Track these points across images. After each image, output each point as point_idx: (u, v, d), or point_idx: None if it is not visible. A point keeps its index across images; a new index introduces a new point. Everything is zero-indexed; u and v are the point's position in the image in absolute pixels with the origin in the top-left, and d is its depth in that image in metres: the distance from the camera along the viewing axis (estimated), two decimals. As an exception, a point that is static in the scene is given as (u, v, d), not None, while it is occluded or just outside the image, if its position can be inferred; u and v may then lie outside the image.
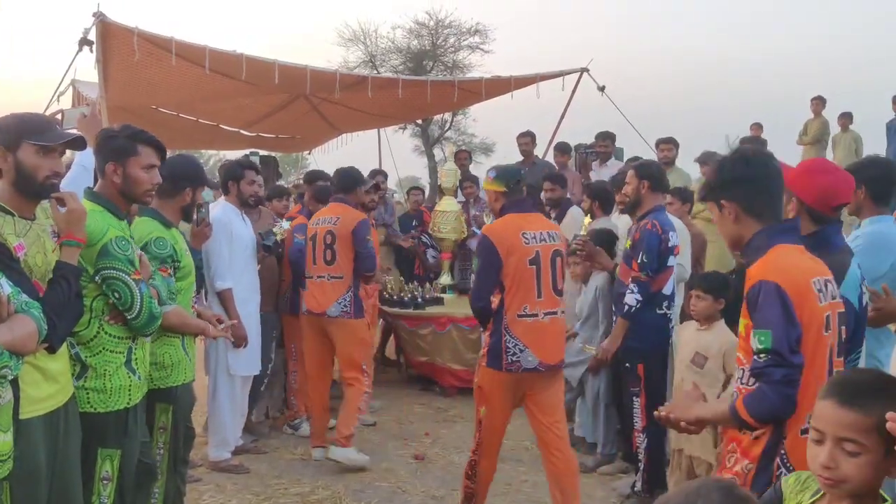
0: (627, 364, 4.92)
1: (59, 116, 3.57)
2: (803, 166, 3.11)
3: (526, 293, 4.25)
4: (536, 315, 4.26)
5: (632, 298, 4.79)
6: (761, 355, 2.40)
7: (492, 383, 4.35)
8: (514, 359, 4.24)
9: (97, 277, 3.01)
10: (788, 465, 2.42)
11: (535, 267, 4.25)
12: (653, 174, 4.98)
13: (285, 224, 5.58)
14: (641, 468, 4.87)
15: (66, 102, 8.15)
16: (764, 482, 2.41)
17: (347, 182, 5.96)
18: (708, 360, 4.35)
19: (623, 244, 5.63)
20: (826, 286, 2.52)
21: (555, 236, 4.41)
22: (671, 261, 4.86)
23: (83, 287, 2.96)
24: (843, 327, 2.62)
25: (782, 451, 2.43)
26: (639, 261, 4.76)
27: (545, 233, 4.36)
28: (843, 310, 2.62)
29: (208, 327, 3.85)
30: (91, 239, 2.96)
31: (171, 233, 3.76)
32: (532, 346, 4.24)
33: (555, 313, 4.35)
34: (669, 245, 4.83)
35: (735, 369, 3.32)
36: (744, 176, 2.64)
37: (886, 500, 1.75)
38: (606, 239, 5.58)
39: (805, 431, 2.28)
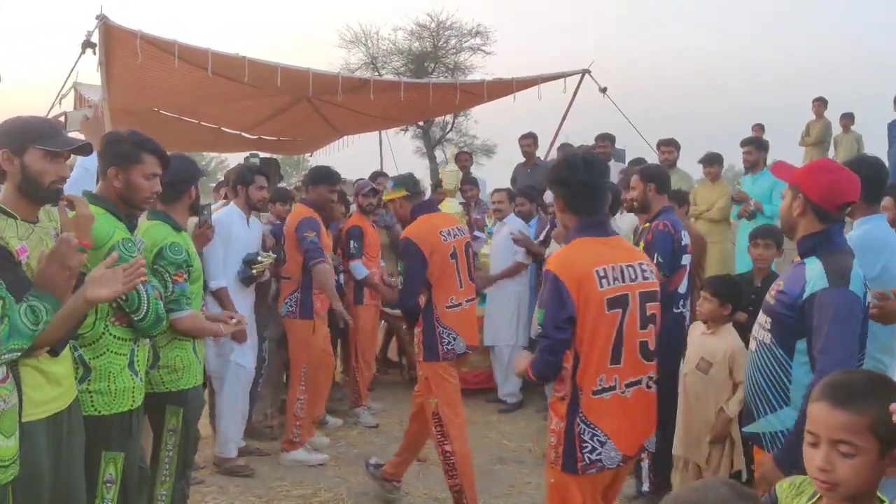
0: None
1: (62, 119, 3.56)
2: (810, 164, 3.12)
3: (450, 285, 4.64)
4: (461, 304, 4.67)
5: None
6: (538, 328, 3.07)
7: (436, 373, 4.65)
8: (449, 347, 4.62)
9: None
10: (587, 420, 3.03)
11: (454, 261, 4.65)
12: (658, 175, 5.02)
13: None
14: (647, 468, 4.85)
15: (67, 105, 8.16)
16: (571, 437, 3.04)
17: (308, 179, 6.15)
18: (713, 366, 4.32)
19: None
20: (622, 271, 3.08)
21: (463, 230, 4.84)
22: (685, 259, 4.88)
23: None
24: (648, 304, 3.14)
25: (580, 410, 3.03)
26: (654, 262, 4.74)
27: (455, 228, 4.78)
28: (648, 289, 3.16)
29: (220, 327, 3.84)
30: (98, 241, 2.96)
31: (182, 237, 3.75)
32: (462, 333, 4.65)
33: (473, 299, 4.78)
34: (682, 244, 4.87)
35: (742, 374, 3.51)
36: (564, 178, 3.19)
37: (883, 501, 1.74)
38: None
39: (597, 393, 3.02)
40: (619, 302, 3.03)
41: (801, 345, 2.91)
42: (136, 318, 3.06)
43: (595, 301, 2.98)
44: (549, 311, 3.00)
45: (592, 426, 3.01)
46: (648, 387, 3.18)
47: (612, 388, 3.04)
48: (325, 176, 6.03)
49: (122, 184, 3.19)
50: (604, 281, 3.01)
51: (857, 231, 3.68)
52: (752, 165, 7.91)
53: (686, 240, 4.90)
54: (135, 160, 3.20)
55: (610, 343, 3.02)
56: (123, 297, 3.02)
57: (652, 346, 3.16)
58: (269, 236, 6.07)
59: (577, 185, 3.15)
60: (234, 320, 3.91)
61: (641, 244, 4.92)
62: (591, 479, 3.06)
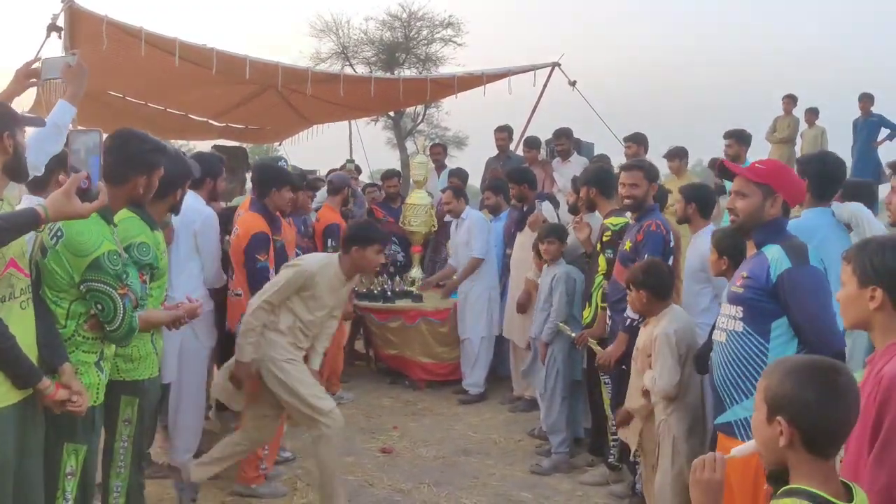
0: (624, 367, 4.76)
1: (37, 65, 3.52)
2: (783, 170, 3.20)
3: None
4: (229, 290, 5.12)
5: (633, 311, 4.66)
6: None
7: None
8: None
9: (82, 287, 2.97)
10: None
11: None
12: (655, 176, 4.98)
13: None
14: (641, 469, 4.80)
15: (32, 91, 7.99)
16: None
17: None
18: (639, 355, 4.37)
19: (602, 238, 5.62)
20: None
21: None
22: (670, 261, 4.80)
23: (62, 291, 2.97)
24: None
25: None
26: None
27: (235, 227, 5.08)
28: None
29: (176, 313, 3.78)
30: (84, 250, 2.93)
31: (154, 236, 3.68)
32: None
33: (238, 294, 5.06)
34: (671, 246, 4.79)
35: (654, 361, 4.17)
36: None
37: (850, 487, 1.84)
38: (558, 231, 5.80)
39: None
40: None
41: (777, 327, 3.04)
42: (109, 329, 3.02)
43: None
44: None
45: None
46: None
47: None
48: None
49: (143, 189, 3.32)
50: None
51: (794, 221, 3.82)
52: (734, 159, 7.95)
53: (673, 241, 4.86)
54: (157, 165, 3.35)
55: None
56: (100, 307, 2.99)
57: None
58: None
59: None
60: (196, 303, 3.86)
61: (629, 243, 4.84)
62: None
